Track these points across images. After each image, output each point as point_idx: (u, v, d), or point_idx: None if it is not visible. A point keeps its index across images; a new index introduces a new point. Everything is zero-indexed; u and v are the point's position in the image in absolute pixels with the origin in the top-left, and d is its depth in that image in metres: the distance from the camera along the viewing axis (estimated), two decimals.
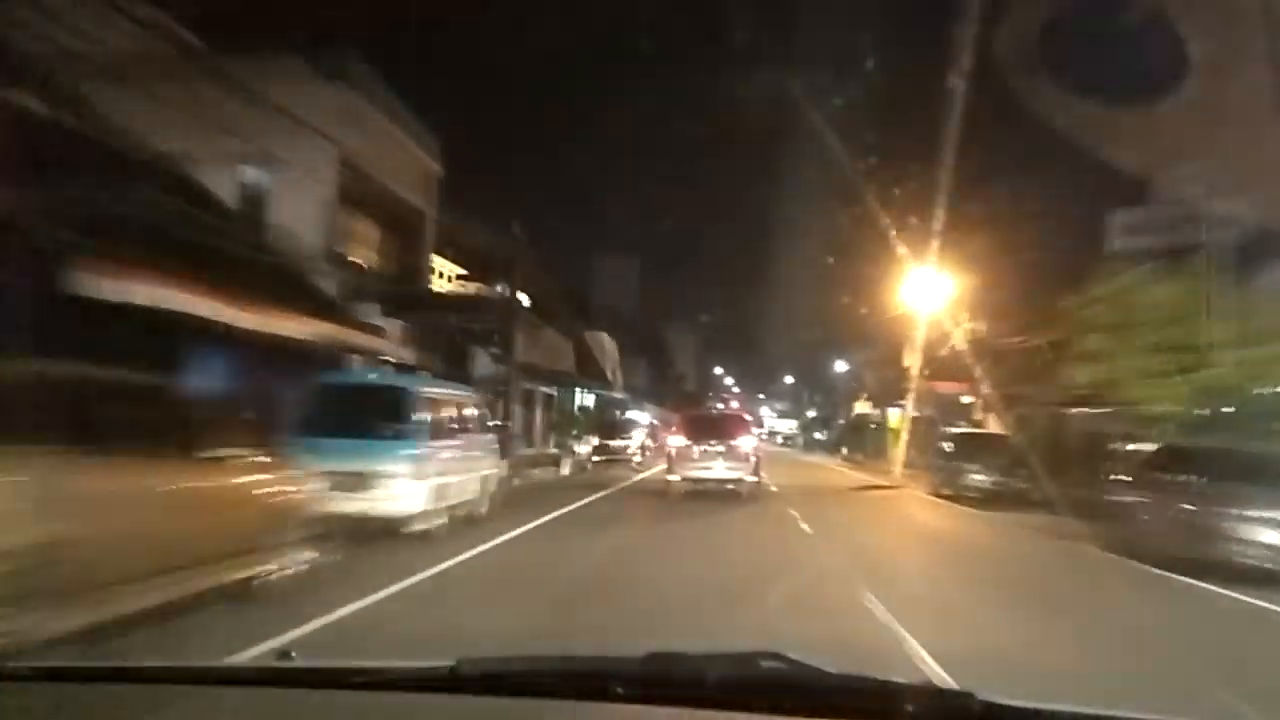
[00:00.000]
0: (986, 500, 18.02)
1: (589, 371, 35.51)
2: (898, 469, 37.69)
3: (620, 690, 1.70)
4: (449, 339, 21.23)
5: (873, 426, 50.07)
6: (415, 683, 1.80)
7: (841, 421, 63.29)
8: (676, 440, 17.98)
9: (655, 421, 57.70)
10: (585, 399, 37.34)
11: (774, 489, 20.95)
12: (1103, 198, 24.80)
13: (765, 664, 1.73)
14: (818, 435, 78.65)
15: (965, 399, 37.60)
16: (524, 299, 31.53)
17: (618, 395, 41.23)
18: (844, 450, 53.65)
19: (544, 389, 31.17)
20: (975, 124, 23.90)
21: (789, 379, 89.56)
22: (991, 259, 27.20)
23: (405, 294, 19.34)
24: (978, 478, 19.06)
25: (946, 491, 20.39)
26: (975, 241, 27.46)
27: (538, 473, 22.49)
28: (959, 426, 30.07)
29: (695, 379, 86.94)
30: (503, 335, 20.88)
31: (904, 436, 39.21)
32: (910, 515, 17.58)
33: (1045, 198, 23.96)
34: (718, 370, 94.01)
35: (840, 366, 58.36)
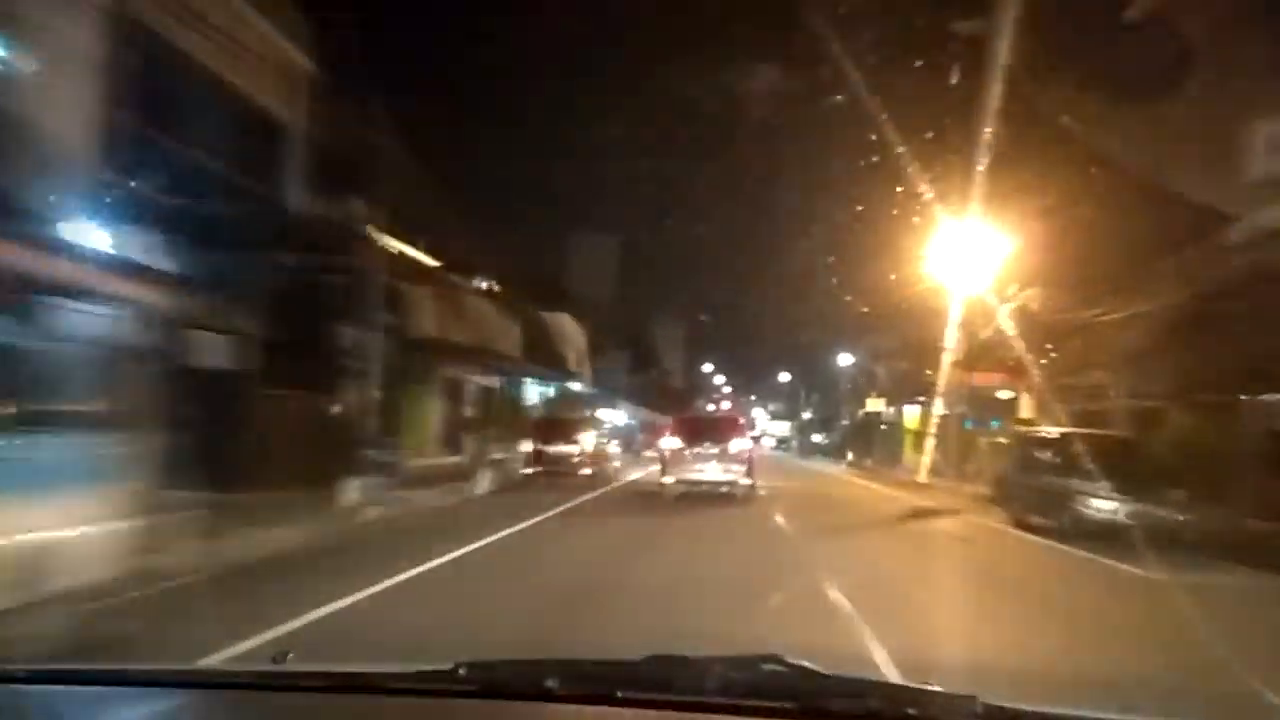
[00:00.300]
0: (1123, 540, 10.91)
1: (544, 359, 28.51)
2: (923, 478, 30.98)
3: (621, 693, 1.67)
4: (301, 290, 14.20)
5: (882, 428, 43.22)
6: (415, 686, 1.76)
7: (845, 422, 56.36)
8: (670, 443, 17.85)
9: (633, 421, 50.78)
10: (540, 395, 30.33)
11: (780, 521, 13.95)
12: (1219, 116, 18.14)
13: (766, 667, 1.71)
14: (816, 438, 71.73)
15: (1003, 393, 31.09)
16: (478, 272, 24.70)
17: (581, 389, 34.10)
18: (849, 455, 46.77)
19: (478, 378, 24.18)
20: (1028, 36, 17.29)
21: (785, 375, 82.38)
22: (1056, 213, 20.35)
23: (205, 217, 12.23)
24: (1101, 504, 12.11)
25: (1040, 522, 13.45)
26: (1033, 194, 20.76)
27: (434, 495, 15.40)
28: (1021, 425, 23.27)
29: (683, 377, 79.84)
30: (358, 286, 13.83)
31: (930, 439, 32.66)
32: (1056, 592, 9.51)
33: (1131, 124, 17.34)
34: (707, 368, 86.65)
35: (844, 360, 51.37)
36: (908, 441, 37.52)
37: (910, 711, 1.54)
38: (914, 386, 35.83)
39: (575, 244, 54.32)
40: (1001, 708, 1.55)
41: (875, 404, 39.71)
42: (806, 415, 79.31)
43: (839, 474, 35.10)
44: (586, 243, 54.68)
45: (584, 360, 37.67)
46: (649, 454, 51.35)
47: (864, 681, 1.67)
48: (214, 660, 4.48)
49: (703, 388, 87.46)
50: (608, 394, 42.74)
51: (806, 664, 1.67)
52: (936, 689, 1.60)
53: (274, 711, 1.76)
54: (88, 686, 1.83)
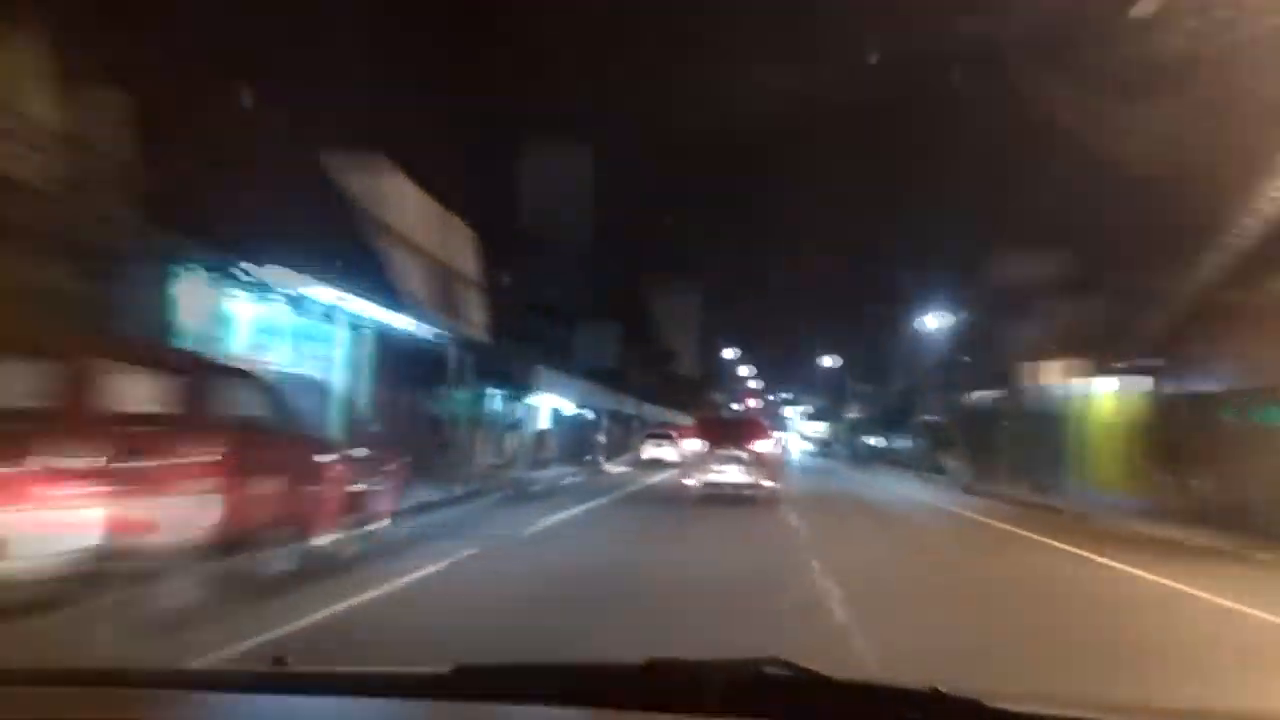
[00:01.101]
0: None
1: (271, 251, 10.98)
2: None
3: (620, 697, 1.64)
4: None
5: (1005, 424, 25.42)
6: (413, 688, 1.75)
7: (930, 418, 37.84)
8: (692, 444, 18.36)
9: (589, 414, 33.10)
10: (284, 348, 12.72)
11: None
12: None
13: (768, 670, 1.64)
14: (872, 441, 53.59)
15: None
16: None
17: (435, 337, 16.43)
18: (950, 466, 28.88)
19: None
20: None
21: (831, 360, 63.96)
22: None
23: None
24: None
25: None
26: None
27: None
28: None
29: (696, 363, 61.69)
30: None
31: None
32: None
33: None
34: (728, 354, 67.98)
35: (935, 322, 33.42)
36: (1102, 450, 19.76)
37: (913, 714, 1.52)
38: (1119, 346, 18.04)
39: (529, 151, 36.08)
40: (1006, 711, 1.50)
41: (1054, 375, 21.43)
42: (852, 414, 61.36)
43: (1002, 527, 17.06)
44: (545, 152, 36.52)
45: (466, 291, 20.04)
46: (615, 468, 32.77)
47: (866, 684, 1.64)
48: None
49: (725, 377, 69.28)
50: (532, 369, 25.50)
51: (809, 666, 1.61)
52: (941, 691, 1.53)
53: (272, 713, 1.73)
54: (83, 687, 1.78)
